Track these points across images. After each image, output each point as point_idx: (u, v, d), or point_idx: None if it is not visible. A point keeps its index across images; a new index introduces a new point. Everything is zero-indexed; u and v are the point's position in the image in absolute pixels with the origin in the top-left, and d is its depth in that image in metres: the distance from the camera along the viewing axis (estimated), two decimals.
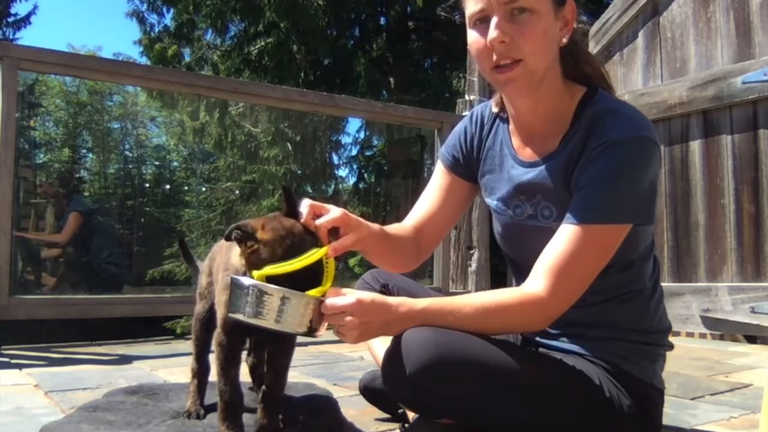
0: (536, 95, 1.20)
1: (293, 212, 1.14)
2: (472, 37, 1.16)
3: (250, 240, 1.09)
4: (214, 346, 1.25)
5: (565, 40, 1.18)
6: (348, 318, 1.04)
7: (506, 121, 1.32)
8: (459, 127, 1.41)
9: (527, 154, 1.26)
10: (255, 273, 1.06)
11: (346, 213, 1.14)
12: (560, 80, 1.22)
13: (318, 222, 1.12)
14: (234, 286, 1.05)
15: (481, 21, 1.14)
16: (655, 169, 1.15)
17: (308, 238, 1.10)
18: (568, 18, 1.18)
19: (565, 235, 1.11)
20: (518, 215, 1.27)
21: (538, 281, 1.11)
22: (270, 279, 1.04)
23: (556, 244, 1.12)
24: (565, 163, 1.18)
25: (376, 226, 1.24)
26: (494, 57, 1.13)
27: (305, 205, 1.13)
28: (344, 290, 1.07)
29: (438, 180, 1.41)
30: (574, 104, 1.21)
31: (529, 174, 1.24)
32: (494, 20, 1.12)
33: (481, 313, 1.09)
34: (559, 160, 1.19)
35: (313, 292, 1.05)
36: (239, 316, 1.04)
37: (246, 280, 1.04)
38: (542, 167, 1.22)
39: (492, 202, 1.34)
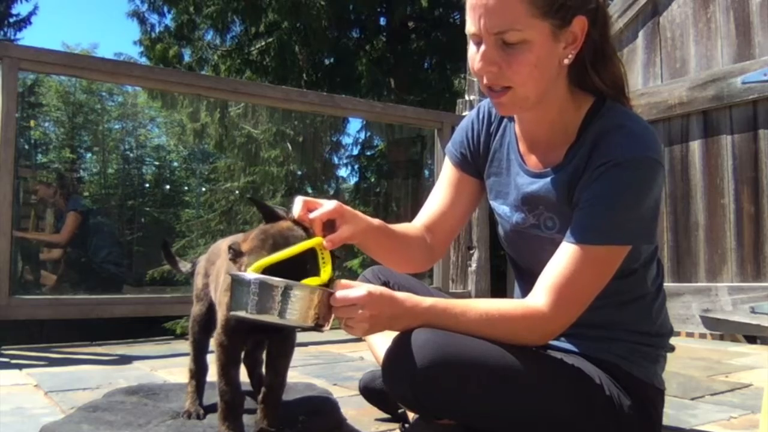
0: (537, 110, 1.18)
1: (271, 216, 1.13)
2: (471, 50, 1.14)
3: (239, 257, 1.09)
4: (214, 347, 1.24)
5: (567, 61, 1.13)
6: (360, 310, 1.03)
7: (513, 119, 1.30)
8: (465, 123, 1.39)
9: (533, 162, 1.25)
10: (249, 269, 1.04)
11: (340, 205, 1.13)
12: (565, 92, 1.19)
13: (312, 215, 1.11)
14: (235, 283, 1.03)
15: (476, 42, 1.12)
16: (659, 189, 1.13)
17: (290, 233, 1.09)
18: (577, 34, 1.11)
19: (566, 254, 1.11)
20: (522, 223, 1.27)
21: (540, 297, 1.11)
22: (263, 272, 1.03)
23: (557, 263, 1.12)
24: (569, 177, 1.17)
25: (376, 220, 1.23)
26: (485, 79, 1.13)
27: (298, 202, 1.13)
28: (353, 283, 1.07)
29: (447, 177, 1.39)
30: (581, 116, 1.19)
31: (534, 185, 1.23)
32: (482, 49, 1.09)
33: (484, 319, 1.09)
34: (564, 173, 1.18)
35: (311, 281, 1.03)
36: (242, 313, 1.01)
37: (248, 275, 1.02)
38: (547, 179, 1.20)
39: (498, 206, 1.33)
